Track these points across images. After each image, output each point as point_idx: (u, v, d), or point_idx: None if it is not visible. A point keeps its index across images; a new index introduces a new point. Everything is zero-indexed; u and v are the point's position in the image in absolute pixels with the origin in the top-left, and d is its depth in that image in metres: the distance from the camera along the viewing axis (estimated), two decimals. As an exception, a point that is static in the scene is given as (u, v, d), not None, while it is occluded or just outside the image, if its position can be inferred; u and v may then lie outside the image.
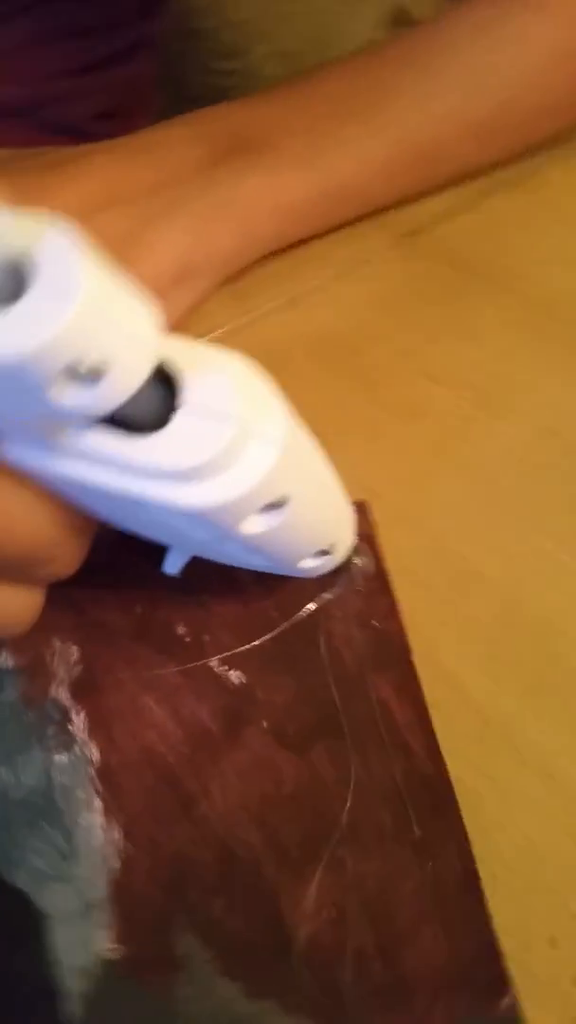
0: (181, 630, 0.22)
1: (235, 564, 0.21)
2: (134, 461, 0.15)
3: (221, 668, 0.22)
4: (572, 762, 0.20)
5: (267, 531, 0.17)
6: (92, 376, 0.13)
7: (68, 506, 0.17)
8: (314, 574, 0.22)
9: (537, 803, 0.20)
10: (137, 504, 0.15)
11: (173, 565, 0.23)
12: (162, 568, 0.23)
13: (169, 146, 0.30)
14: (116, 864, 0.19)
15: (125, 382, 0.13)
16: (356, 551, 0.23)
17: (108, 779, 0.20)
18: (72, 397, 0.13)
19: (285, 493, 0.16)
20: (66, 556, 0.18)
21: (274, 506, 0.16)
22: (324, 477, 0.19)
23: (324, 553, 0.20)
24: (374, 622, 0.23)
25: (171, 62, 0.61)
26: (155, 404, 0.15)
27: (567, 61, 0.34)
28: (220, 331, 0.31)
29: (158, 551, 0.23)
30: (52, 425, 0.14)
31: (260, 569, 0.21)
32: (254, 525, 0.17)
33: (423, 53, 0.33)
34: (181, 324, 0.31)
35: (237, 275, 0.32)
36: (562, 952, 0.18)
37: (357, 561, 0.23)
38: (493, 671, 0.22)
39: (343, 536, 0.21)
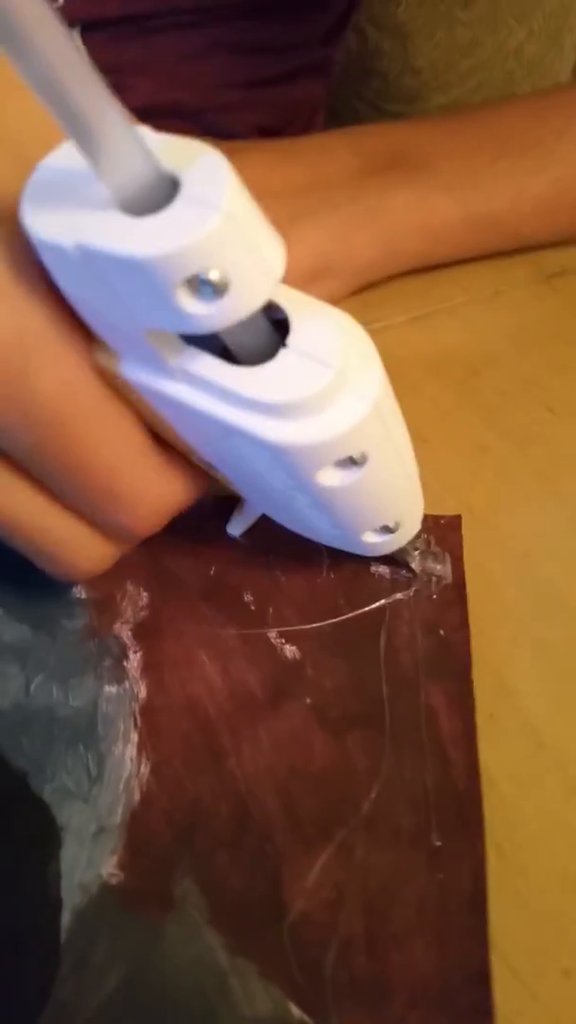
0: (248, 597, 0.23)
1: (301, 530, 0.21)
2: (235, 389, 0.15)
3: (278, 640, 0.22)
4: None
5: (341, 486, 0.17)
6: (217, 290, 0.13)
7: (170, 464, 0.18)
8: (374, 552, 0.22)
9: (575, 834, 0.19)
10: (230, 436, 0.16)
11: (237, 527, 0.24)
12: (226, 528, 0.24)
13: (326, 152, 0.31)
14: (137, 797, 0.20)
15: (245, 302, 0.14)
16: (437, 559, 0.23)
17: (149, 717, 0.21)
18: (195, 306, 0.14)
19: (366, 451, 0.17)
20: (147, 510, 0.19)
21: (353, 462, 0.17)
22: (405, 452, 0.19)
23: (388, 531, 0.21)
24: (441, 631, 0.22)
25: (342, 95, 0.64)
26: (264, 338, 0.16)
27: None
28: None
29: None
30: (169, 343, 0.15)
31: (324, 540, 0.21)
32: (330, 477, 0.17)
33: None
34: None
35: (370, 286, 0.33)
36: (574, 984, 0.17)
37: (436, 569, 0.23)
38: (557, 697, 0.21)
39: (410, 517, 0.21)
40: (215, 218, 0.13)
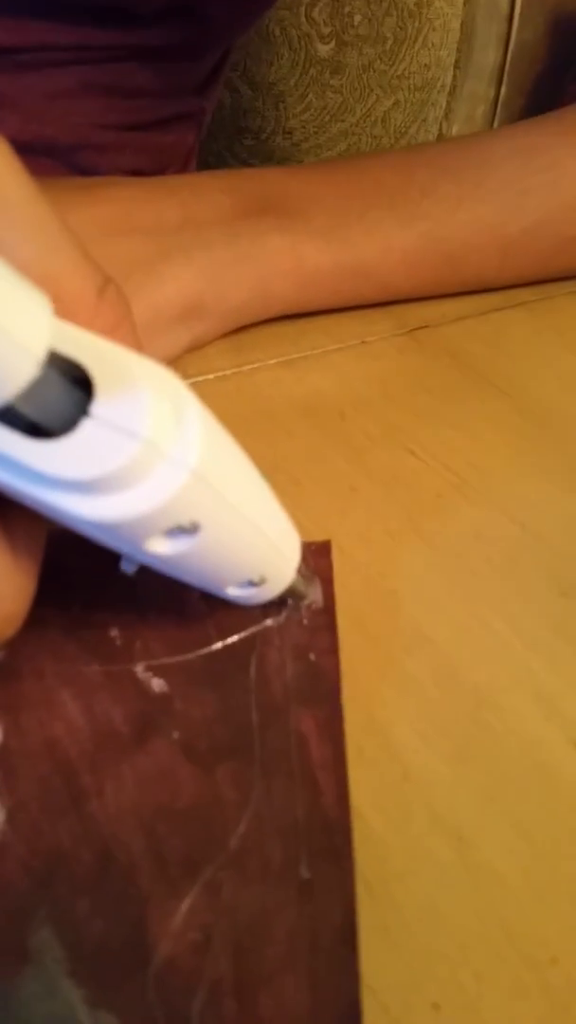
0: (114, 632, 0.22)
1: (173, 576, 0.21)
2: (36, 465, 0.14)
3: (145, 674, 0.22)
4: (482, 831, 0.19)
5: (176, 554, 0.17)
6: None
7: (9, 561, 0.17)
8: (247, 603, 0.22)
9: (444, 865, 0.19)
10: (50, 509, 0.15)
11: (129, 565, 0.23)
12: (120, 566, 0.23)
13: (199, 191, 0.32)
14: (-9, 845, 0.18)
15: (6, 380, 0.13)
16: (308, 586, 0.24)
17: (4, 761, 0.20)
18: None
19: (195, 520, 0.16)
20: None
21: (183, 530, 0.16)
22: (251, 510, 0.18)
23: (252, 584, 0.20)
24: (311, 655, 0.22)
25: (215, 150, 0.65)
26: (62, 408, 0.15)
27: None
28: (213, 375, 0.32)
29: (109, 554, 0.23)
30: None
31: (196, 587, 0.21)
32: (160, 546, 0.16)
33: (461, 160, 0.35)
34: (177, 362, 0.32)
35: (241, 329, 0.34)
36: (443, 1018, 0.17)
37: (307, 595, 0.24)
38: (423, 730, 0.21)
39: (277, 573, 0.21)
40: None
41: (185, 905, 0.18)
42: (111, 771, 0.20)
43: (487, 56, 0.68)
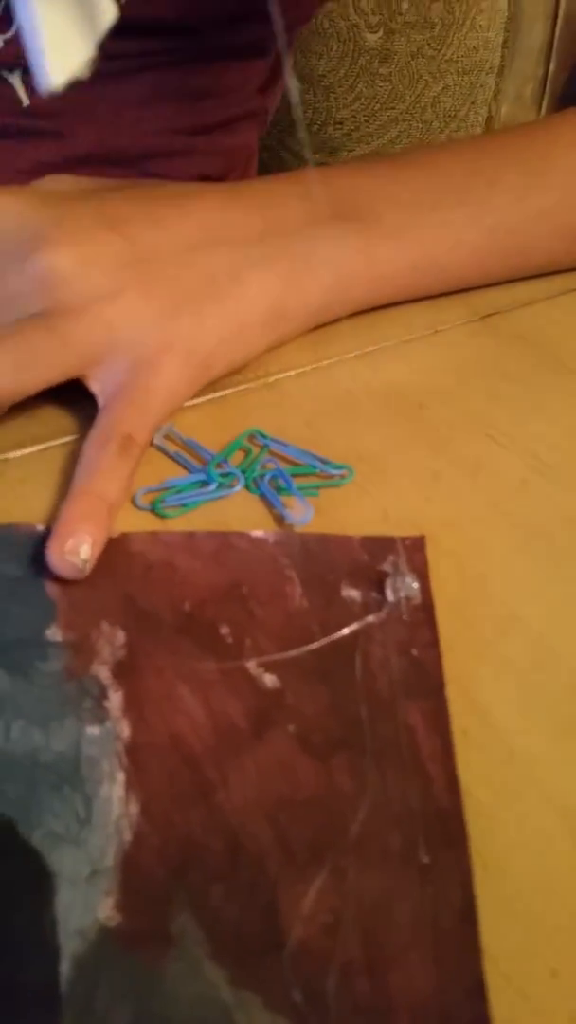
0: (224, 630, 0.23)
1: None
2: None
3: (257, 671, 0.23)
4: (590, 806, 0.20)
5: None
6: None
7: None
8: None
9: (553, 839, 0.19)
10: None
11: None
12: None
13: (278, 199, 0.32)
14: (128, 837, 0.20)
15: None
16: (407, 582, 0.24)
17: (134, 756, 0.21)
18: None
19: None
20: None
21: None
22: None
23: None
24: (413, 651, 0.23)
25: (268, 145, 0.66)
26: None
27: None
28: (294, 372, 0.33)
29: (215, 556, 0.24)
30: None
31: None
32: None
33: (526, 151, 0.36)
34: (259, 361, 0.33)
35: (318, 326, 0.35)
36: (562, 983, 0.18)
37: (407, 592, 0.24)
38: (524, 709, 0.22)
39: None
40: None
41: (313, 890, 0.19)
42: (234, 763, 0.21)
43: (534, 34, 0.68)
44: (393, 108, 0.67)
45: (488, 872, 0.19)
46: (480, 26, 0.65)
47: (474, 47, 0.66)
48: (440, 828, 0.20)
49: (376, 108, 0.67)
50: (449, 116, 0.69)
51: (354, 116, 0.66)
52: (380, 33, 0.62)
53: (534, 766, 0.21)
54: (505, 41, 0.68)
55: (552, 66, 0.68)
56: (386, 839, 0.20)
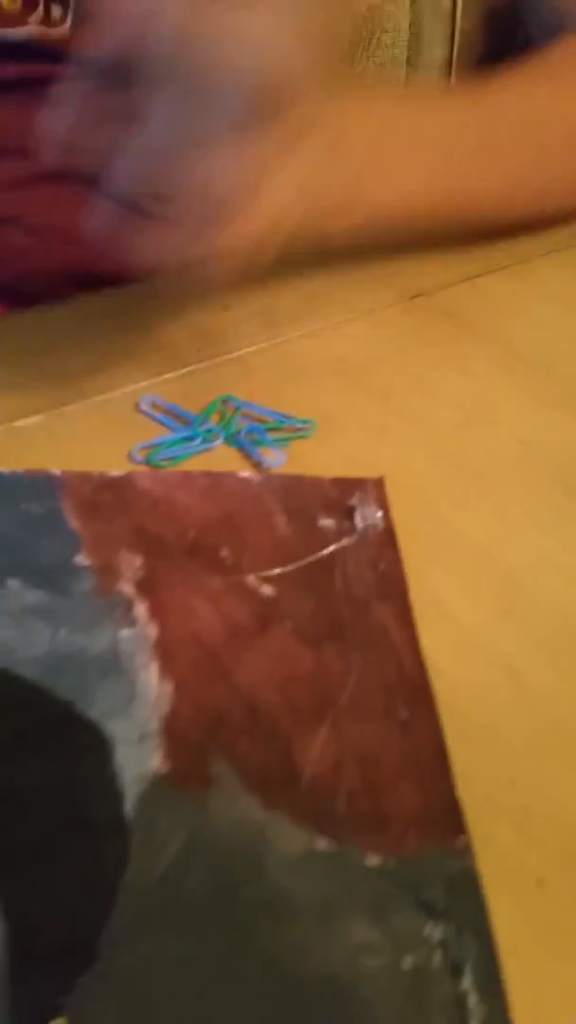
0: (224, 553, 0.28)
1: None
2: None
3: (256, 583, 0.27)
4: (529, 662, 0.26)
5: None
6: None
7: None
8: None
9: (498, 688, 0.25)
10: None
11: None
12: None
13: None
14: (167, 709, 0.24)
15: None
16: (372, 512, 0.30)
17: (163, 650, 0.25)
18: None
19: None
20: None
21: None
22: None
23: None
24: (381, 566, 0.28)
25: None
26: None
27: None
28: (254, 348, 0.38)
29: (209, 492, 0.29)
30: None
31: None
32: None
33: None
34: (216, 340, 0.38)
35: (269, 307, 0.40)
36: (517, 791, 0.23)
37: (372, 520, 0.29)
38: (469, 596, 0.28)
39: None
40: None
41: (318, 739, 0.24)
42: (245, 652, 0.26)
43: (435, 51, 0.75)
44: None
45: (452, 718, 0.25)
46: (385, 44, 0.72)
47: (381, 63, 0.72)
48: (412, 692, 0.25)
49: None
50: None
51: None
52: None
53: (480, 637, 0.27)
54: (408, 59, 0.75)
55: (452, 80, 0.75)
56: (371, 702, 0.25)
